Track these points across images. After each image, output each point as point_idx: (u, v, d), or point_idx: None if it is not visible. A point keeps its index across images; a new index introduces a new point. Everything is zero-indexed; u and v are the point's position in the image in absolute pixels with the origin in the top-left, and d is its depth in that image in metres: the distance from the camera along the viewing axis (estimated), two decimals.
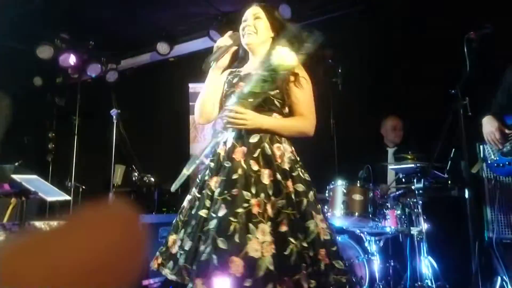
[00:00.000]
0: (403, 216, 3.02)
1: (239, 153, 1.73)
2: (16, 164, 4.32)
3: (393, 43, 4.05)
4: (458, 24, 3.08)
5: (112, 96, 4.97)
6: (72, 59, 5.36)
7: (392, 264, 3.08)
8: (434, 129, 2.81)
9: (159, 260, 1.68)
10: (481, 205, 2.99)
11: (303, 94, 1.84)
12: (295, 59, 1.68)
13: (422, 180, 2.90)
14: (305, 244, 1.59)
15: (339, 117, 3.91)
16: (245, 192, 1.62)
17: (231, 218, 1.57)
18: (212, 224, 1.59)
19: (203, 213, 1.66)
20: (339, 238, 3.20)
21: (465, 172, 2.59)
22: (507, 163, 2.17)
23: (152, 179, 4.69)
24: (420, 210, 2.95)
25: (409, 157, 3.08)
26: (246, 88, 1.73)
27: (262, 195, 1.62)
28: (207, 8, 4.73)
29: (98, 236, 0.34)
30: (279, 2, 4.35)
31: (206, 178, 1.76)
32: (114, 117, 4.28)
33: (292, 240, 1.56)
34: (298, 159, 1.82)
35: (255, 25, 1.87)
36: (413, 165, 2.94)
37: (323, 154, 3.97)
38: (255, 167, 1.68)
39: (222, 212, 1.59)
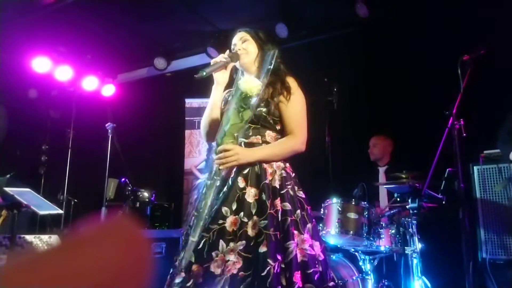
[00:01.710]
0: (397, 236, 3.02)
1: (229, 171, 1.76)
2: (8, 176, 4.27)
3: (388, 63, 4.11)
4: (452, 46, 3.14)
5: (107, 109, 4.96)
6: (68, 73, 5.37)
7: (386, 283, 3.07)
8: (427, 149, 2.84)
9: None
10: (475, 225, 3.01)
11: (292, 110, 1.85)
12: (259, 82, 1.71)
13: (417, 199, 2.91)
14: (283, 265, 1.58)
15: (334, 135, 3.94)
16: (224, 208, 1.64)
17: (204, 233, 1.60)
18: (190, 243, 1.64)
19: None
20: (333, 257, 3.19)
21: (459, 192, 2.61)
22: None
23: (146, 194, 4.66)
24: (414, 230, 2.96)
25: (403, 176, 3.11)
26: (226, 126, 1.74)
27: (242, 213, 1.63)
28: (205, 25, 4.78)
29: (105, 253, 0.34)
30: (276, 22, 4.42)
31: (201, 195, 1.78)
32: (109, 130, 4.27)
33: (270, 261, 1.55)
34: (293, 175, 1.83)
35: (245, 47, 1.93)
36: (407, 185, 2.96)
37: (317, 171, 3.98)
38: (241, 184, 1.70)
39: (198, 227, 1.64)
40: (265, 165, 1.75)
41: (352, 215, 2.95)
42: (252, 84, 1.69)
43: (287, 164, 1.83)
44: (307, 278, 1.60)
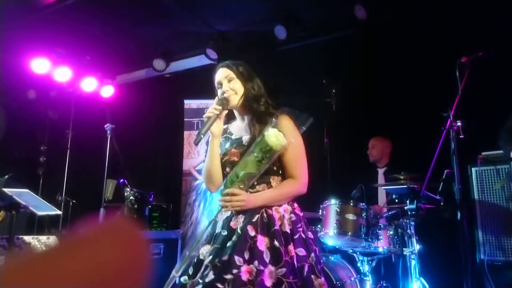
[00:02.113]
0: (395, 237, 3.03)
1: (236, 220, 1.73)
2: (7, 177, 4.27)
3: (386, 65, 4.12)
4: (450, 47, 3.15)
5: (106, 110, 4.96)
6: (67, 74, 5.37)
7: (384, 284, 3.07)
8: (426, 150, 2.85)
9: None
10: (473, 227, 3.02)
11: (292, 155, 1.81)
12: (285, 140, 1.69)
13: (415, 201, 2.92)
14: None
15: (332, 136, 3.95)
16: (237, 257, 1.58)
17: (218, 284, 1.53)
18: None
19: (183, 279, 1.66)
20: (331, 258, 3.19)
21: (457, 194, 2.62)
22: None
23: (144, 195, 4.65)
24: (412, 231, 2.96)
25: (401, 177, 3.12)
26: (240, 171, 1.72)
27: (256, 262, 1.58)
28: (203, 26, 4.79)
29: (104, 254, 0.34)
30: (274, 24, 4.43)
31: (214, 216, 1.79)
32: (108, 131, 4.27)
33: None
34: (302, 214, 1.81)
35: (232, 87, 1.88)
36: (405, 186, 2.97)
37: (316, 172, 3.97)
38: (252, 232, 1.66)
39: (209, 278, 1.56)
40: (270, 211, 1.72)
41: (351, 216, 2.95)
42: (279, 140, 1.67)
43: (295, 205, 1.81)
44: None
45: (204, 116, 1.84)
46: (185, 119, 5.21)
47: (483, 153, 3.12)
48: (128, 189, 4.62)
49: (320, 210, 3.10)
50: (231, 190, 1.72)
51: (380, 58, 4.18)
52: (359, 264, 3.16)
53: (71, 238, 0.36)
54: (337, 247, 3.21)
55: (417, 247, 2.94)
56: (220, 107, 1.83)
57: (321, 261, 1.76)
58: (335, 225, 2.93)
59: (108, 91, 5.69)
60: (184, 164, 5.21)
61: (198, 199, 5.10)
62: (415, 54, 3.88)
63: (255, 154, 1.69)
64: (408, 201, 2.96)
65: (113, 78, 5.95)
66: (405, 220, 3.01)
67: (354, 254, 3.19)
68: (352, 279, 3.06)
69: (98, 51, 5.26)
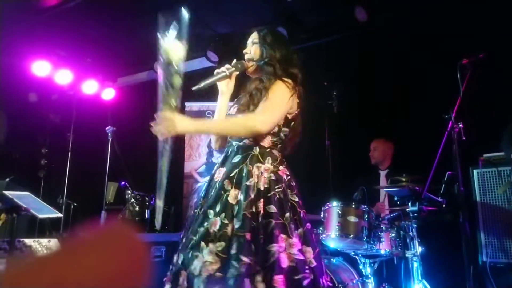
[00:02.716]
0: (397, 239, 3.02)
1: (219, 174, 1.79)
2: (8, 179, 4.27)
3: (387, 67, 4.12)
4: (452, 49, 3.16)
5: (107, 113, 4.97)
6: (68, 76, 5.38)
7: (386, 287, 3.06)
8: (428, 152, 2.85)
9: None
10: (475, 229, 3.01)
11: (269, 96, 1.78)
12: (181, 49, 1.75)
13: (417, 203, 2.91)
14: (258, 268, 1.55)
15: (333, 139, 3.95)
16: (210, 210, 1.68)
17: (192, 236, 1.66)
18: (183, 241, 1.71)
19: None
20: (333, 260, 3.18)
21: (459, 196, 2.61)
22: None
23: (146, 197, 4.66)
24: (414, 233, 2.95)
25: (403, 179, 3.11)
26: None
27: (223, 215, 1.64)
28: (204, 29, 4.79)
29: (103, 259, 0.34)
30: (275, 26, 4.43)
31: (200, 198, 1.84)
32: (109, 134, 4.27)
33: (234, 263, 1.54)
34: (287, 178, 1.78)
35: (253, 51, 1.94)
36: (407, 188, 2.96)
37: (318, 175, 3.98)
38: (228, 186, 1.72)
39: (190, 230, 1.70)
40: (251, 167, 1.72)
41: (352, 219, 2.94)
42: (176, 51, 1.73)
43: (281, 167, 1.78)
44: (294, 284, 1.55)
45: (215, 71, 1.88)
46: None
47: (484, 155, 3.11)
48: (129, 192, 4.62)
49: (322, 212, 3.09)
50: (161, 114, 1.68)
51: (381, 60, 4.18)
52: (361, 267, 3.15)
53: (72, 242, 0.36)
54: (339, 249, 3.20)
55: (419, 249, 2.93)
56: (233, 68, 1.88)
57: (305, 225, 1.73)
58: (337, 227, 2.93)
59: (109, 93, 5.70)
60: (185, 166, 5.21)
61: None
62: (416, 56, 3.88)
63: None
64: (410, 203, 2.96)
65: (114, 80, 5.96)
66: (407, 222, 3.00)
67: (356, 257, 3.18)
68: (354, 281, 3.05)
69: (99, 53, 5.27)
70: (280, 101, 1.78)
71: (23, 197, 3.44)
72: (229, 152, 1.82)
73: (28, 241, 3.58)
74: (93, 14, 4.48)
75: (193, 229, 1.68)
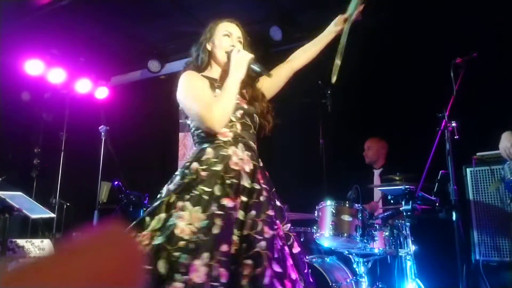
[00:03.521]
0: (391, 238, 3.03)
1: (260, 175, 1.71)
2: (0, 179, 4.24)
3: (381, 66, 4.13)
4: (445, 48, 3.17)
5: (101, 112, 4.94)
6: (61, 75, 5.34)
7: (380, 286, 3.07)
8: (421, 151, 2.85)
9: None
10: (468, 227, 3.02)
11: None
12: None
13: (410, 202, 2.92)
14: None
15: (328, 137, 3.95)
16: (273, 213, 1.66)
17: (274, 241, 1.58)
18: (263, 246, 1.50)
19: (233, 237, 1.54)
20: (327, 260, 3.19)
21: (452, 194, 2.62)
22: None
23: (139, 197, 4.63)
24: (408, 232, 2.96)
25: (397, 178, 3.11)
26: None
27: (281, 218, 1.71)
28: (199, 27, 4.76)
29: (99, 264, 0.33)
30: (270, 25, 4.44)
31: (222, 195, 1.57)
32: (102, 133, 4.25)
33: None
34: None
35: (236, 46, 1.93)
36: (400, 187, 2.97)
37: (312, 174, 3.99)
38: (271, 189, 1.75)
39: (268, 234, 1.55)
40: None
41: (346, 218, 2.95)
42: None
43: None
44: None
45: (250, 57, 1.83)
46: (180, 121, 5.18)
47: (477, 154, 3.13)
48: (122, 191, 4.60)
49: (316, 212, 3.09)
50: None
51: (375, 59, 4.18)
52: (355, 265, 3.15)
53: (67, 246, 0.36)
54: (333, 248, 3.21)
55: (412, 248, 2.94)
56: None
57: None
58: (330, 226, 2.93)
59: (102, 92, 5.67)
60: (179, 166, 5.19)
61: None
62: (410, 55, 3.89)
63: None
64: (403, 202, 2.97)
65: (108, 79, 5.93)
66: (400, 221, 3.01)
67: (350, 255, 3.18)
68: (348, 280, 3.05)
69: (93, 52, 5.24)
70: (190, 90, 1.87)
71: (15, 197, 3.42)
72: (251, 152, 1.73)
73: (21, 241, 3.56)
74: (86, 13, 4.45)
75: (273, 231, 1.58)
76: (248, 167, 1.67)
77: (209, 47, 1.96)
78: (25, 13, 4.42)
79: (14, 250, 3.50)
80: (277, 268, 1.49)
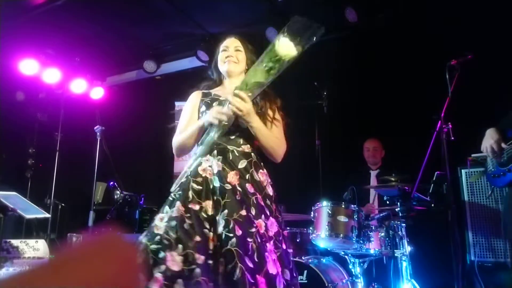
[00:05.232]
0: (387, 239, 3.03)
1: (232, 177, 1.77)
2: None
3: (377, 67, 4.14)
4: (440, 50, 3.18)
5: (96, 112, 4.92)
6: (56, 75, 5.31)
7: (376, 286, 3.08)
8: (417, 152, 2.87)
9: (162, 282, 1.55)
10: (463, 228, 3.04)
11: (279, 124, 1.97)
12: (297, 50, 1.75)
13: (406, 203, 2.93)
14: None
15: (324, 139, 3.96)
16: (250, 214, 1.71)
17: (248, 239, 1.63)
18: (233, 243, 1.61)
19: (206, 232, 1.67)
20: (323, 260, 3.19)
21: (448, 195, 2.64)
22: (501, 173, 2.21)
23: (134, 198, 4.62)
24: (404, 233, 2.97)
25: (392, 179, 3.13)
26: (250, 79, 1.78)
27: (263, 216, 1.73)
28: (195, 28, 4.78)
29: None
30: (266, 26, 4.43)
31: (190, 199, 1.72)
32: (98, 133, 4.23)
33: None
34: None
35: (237, 56, 2.01)
36: (396, 188, 2.98)
37: (308, 175, 3.99)
38: (251, 190, 1.77)
39: (239, 232, 1.63)
40: (258, 176, 1.83)
41: (342, 218, 2.96)
42: (289, 50, 1.72)
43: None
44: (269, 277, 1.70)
45: (214, 117, 1.81)
46: (176, 121, 5.18)
47: (472, 155, 3.15)
48: (118, 192, 4.59)
49: (312, 212, 3.10)
50: (241, 93, 1.76)
51: (371, 61, 4.20)
52: (350, 266, 3.16)
53: (67, 254, 0.36)
54: (328, 249, 3.21)
55: (408, 248, 2.96)
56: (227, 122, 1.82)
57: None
58: (326, 227, 2.94)
59: (98, 93, 5.65)
60: (175, 166, 5.18)
61: None
62: (405, 57, 3.91)
63: (264, 64, 1.75)
64: (399, 203, 2.98)
65: (103, 79, 5.91)
66: (396, 222, 3.02)
67: (346, 256, 3.19)
68: (344, 281, 3.06)
69: (88, 52, 5.22)
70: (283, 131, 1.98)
71: (10, 197, 3.39)
72: (230, 157, 1.82)
73: (15, 242, 3.53)
74: (81, 13, 4.43)
75: (248, 232, 1.64)
76: (217, 170, 1.79)
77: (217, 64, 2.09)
78: (20, 13, 4.40)
79: (9, 250, 3.48)
80: (250, 264, 1.58)
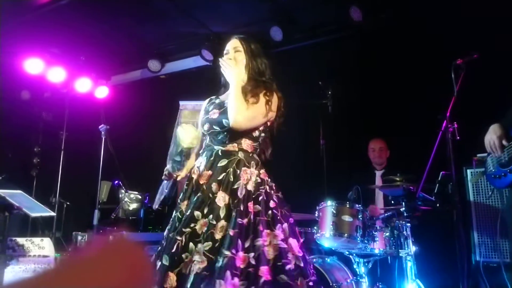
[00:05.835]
0: (391, 238, 3.03)
1: (204, 177, 1.88)
2: (0, 178, 4.23)
3: (382, 66, 4.13)
4: (446, 49, 3.16)
5: (101, 111, 4.94)
6: (61, 74, 5.33)
7: (380, 286, 3.07)
8: (422, 152, 2.85)
9: None
10: (469, 228, 3.03)
11: (259, 106, 1.98)
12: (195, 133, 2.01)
13: (411, 202, 2.93)
14: (253, 262, 1.69)
15: (328, 138, 3.95)
16: (196, 212, 1.79)
17: (177, 237, 1.74)
18: (166, 242, 1.79)
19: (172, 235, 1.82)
20: (327, 260, 3.19)
21: (453, 195, 2.62)
22: (503, 174, 2.20)
23: (139, 197, 4.63)
24: (408, 233, 2.97)
25: (397, 179, 3.12)
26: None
27: (211, 216, 1.77)
28: (199, 27, 4.78)
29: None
30: (270, 25, 4.43)
31: (179, 201, 1.93)
32: (102, 132, 4.24)
33: (225, 252, 1.68)
34: (268, 180, 1.95)
35: (235, 58, 2.07)
36: (401, 188, 2.97)
37: (312, 174, 3.99)
38: (216, 189, 1.84)
39: (176, 231, 1.78)
40: (239, 171, 1.87)
41: (347, 218, 2.95)
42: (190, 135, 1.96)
43: (262, 171, 1.95)
44: (278, 270, 1.69)
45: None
46: (180, 120, 5.18)
47: (478, 155, 3.13)
48: (123, 191, 4.60)
49: (317, 212, 3.09)
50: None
51: (376, 60, 4.19)
52: (355, 266, 3.15)
53: (75, 258, 0.36)
54: (333, 248, 3.21)
55: (413, 248, 2.95)
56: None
57: (289, 220, 1.88)
58: (331, 226, 2.93)
59: (102, 92, 5.66)
60: None
61: None
62: (411, 56, 3.89)
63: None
64: (404, 203, 2.97)
65: (108, 78, 5.92)
66: (401, 222, 3.02)
67: (350, 256, 3.18)
68: (349, 280, 3.05)
69: (93, 51, 5.23)
70: (264, 109, 1.97)
71: (15, 196, 3.41)
72: (212, 156, 1.93)
73: (21, 240, 3.55)
74: (86, 12, 4.44)
75: (179, 230, 1.76)
76: (203, 170, 1.90)
77: None
78: (25, 12, 4.41)
79: (14, 248, 3.50)
80: (165, 262, 1.71)
